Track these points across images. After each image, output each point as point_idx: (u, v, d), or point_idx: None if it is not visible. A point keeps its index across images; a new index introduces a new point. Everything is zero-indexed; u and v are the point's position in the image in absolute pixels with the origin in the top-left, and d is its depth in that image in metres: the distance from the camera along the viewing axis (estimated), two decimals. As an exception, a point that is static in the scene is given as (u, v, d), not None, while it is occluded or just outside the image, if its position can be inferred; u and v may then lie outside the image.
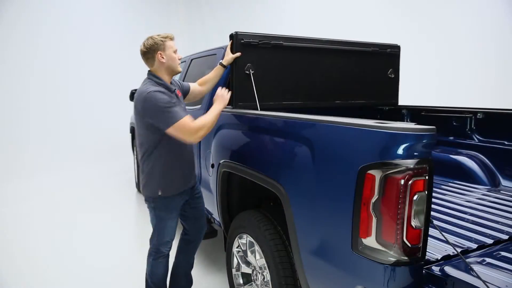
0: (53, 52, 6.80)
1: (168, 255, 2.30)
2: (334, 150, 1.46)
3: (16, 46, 6.43)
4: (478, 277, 1.21)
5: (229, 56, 2.46)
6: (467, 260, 1.41)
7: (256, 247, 2.01)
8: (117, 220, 4.20)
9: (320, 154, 1.52)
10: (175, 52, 2.13)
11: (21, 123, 6.59)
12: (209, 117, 2.00)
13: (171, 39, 2.13)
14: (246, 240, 2.13)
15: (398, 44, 3.27)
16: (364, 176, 1.27)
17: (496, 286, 1.20)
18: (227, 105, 2.20)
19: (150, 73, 2.13)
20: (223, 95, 2.15)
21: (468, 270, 1.29)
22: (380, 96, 3.30)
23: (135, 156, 5.29)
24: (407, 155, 1.20)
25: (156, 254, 2.24)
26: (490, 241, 1.63)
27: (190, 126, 1.92)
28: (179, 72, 2.20)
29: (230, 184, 2.34)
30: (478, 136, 2.77)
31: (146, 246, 2.26)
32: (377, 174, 1.23)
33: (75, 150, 6.97)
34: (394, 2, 5.40)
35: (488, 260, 1.44)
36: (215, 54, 2.90)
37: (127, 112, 5.74)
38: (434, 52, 4.89)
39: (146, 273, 2.32)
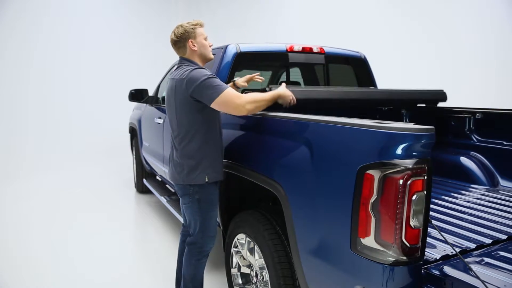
0: (52, 52, 6.79)
1: (209, 254, 2.21)
2: (333, 150, 1.46)
3: (15, 46, 6.42)
4: (476, 277, 1.21)
5: (247, 77, 2.44)
6: (466, 260, 1.41)
7: (255, 247, 2.01)
8: (116, 220, 4.19)
9: (319, 154, 1.52)
10: (205, 39, 2.11)
11: (20, 123, 6.58)
12: (261, 95, 1.93)
13: (201, 25, 2.10)
14: (245, 240, 2.13)
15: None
16: (363, 176, 1.27)
17: (494, 286, 1.20)
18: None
19: (184, 58, 2.09)
20: (285, 91, 2.04)
21: (467, 270, 1.30)
22: None
23: (134, 156, 5.28)
24: (406, 155, 1.21)
25: (200, 254, 2.15)
26: (488, 241, 1.63)
27: (237, 96, 1.86)
28: (211, 59, 2.18)
29: (229, 184, 2.34)
30: (477, 136, 2.77)
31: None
32: (376, 174, 1.24)
33: (74, 150, 6.97)
34: (395, 2, 5.39)
35: (487, 260, 1.44)
36: (214, 54, 2.89)
37: (126, 112, 5.74)
38: (434, 52, 4.88)
39: (185, 277, 2.18)
